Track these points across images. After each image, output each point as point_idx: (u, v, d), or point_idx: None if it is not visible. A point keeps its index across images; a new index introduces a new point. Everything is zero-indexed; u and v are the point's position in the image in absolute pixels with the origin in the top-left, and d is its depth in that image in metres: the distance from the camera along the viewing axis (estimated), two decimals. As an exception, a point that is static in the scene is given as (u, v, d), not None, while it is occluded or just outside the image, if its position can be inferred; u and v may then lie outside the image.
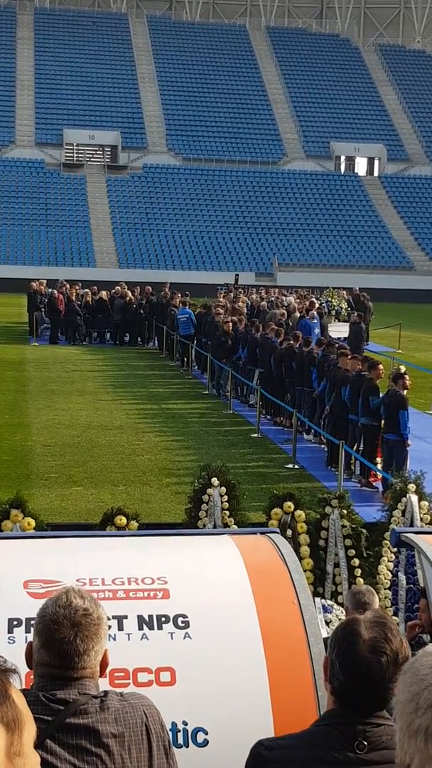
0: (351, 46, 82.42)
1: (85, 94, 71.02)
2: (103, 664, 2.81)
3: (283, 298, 33.23)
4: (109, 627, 3.85)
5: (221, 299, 31.50)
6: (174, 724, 3.61)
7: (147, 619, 3.91)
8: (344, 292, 35.77)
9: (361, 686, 2.70)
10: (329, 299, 34.33)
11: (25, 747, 1.55)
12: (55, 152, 67.00)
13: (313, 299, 32.70)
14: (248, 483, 12.80)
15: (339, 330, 29.83)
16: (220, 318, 24.38)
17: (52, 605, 2.78)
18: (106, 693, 2.75)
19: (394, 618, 8.54)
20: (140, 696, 2.83)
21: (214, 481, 9.01)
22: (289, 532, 8.62)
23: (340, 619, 7.83)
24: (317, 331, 24.49)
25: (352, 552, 8.88)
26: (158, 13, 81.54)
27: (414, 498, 9.08)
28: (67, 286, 34.27)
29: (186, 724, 3.66)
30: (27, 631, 3.73)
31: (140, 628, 3.88)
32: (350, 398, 15.08)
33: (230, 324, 22.97)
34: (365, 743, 2.66)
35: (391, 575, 8.81)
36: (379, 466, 14.04)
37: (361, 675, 2.69)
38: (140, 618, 3.91)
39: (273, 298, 32.97)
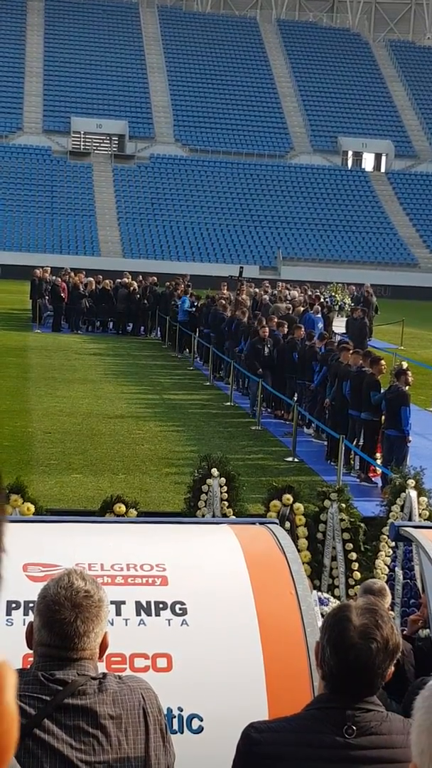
0: (361, 41, 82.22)
1: (93, 82, 70.92)
2: (103, 646, 2.81)
3: (287, 292, 33.21)
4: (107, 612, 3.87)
5: (224, 291, 31.48)
6: (169, 710, 3.62)
7: (145, 605, 3.92)
8: (353, 287, 35.79)
9: (351, 672, 2.73)
10: (333, 294, 34.31)
11: None
12: (62, 140, 66.91)
13: (317, 293, 32.69)
14: (247, 475, 12.80)
15: (342, 325, 29.83)
16: (240, 316, 22.85)
17: (53, 586, 2.78)
18: (104, 675, 2.76)
19: (390, 612, 8.57)
20: (139, 679, 2.84)
21: (214, 471, 9.02)
22: (287, 525, 8.63)
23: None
24: (321, 325, 24.49)
25: (350, 546, 8.89)
26: (169, 3, 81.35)
27: (413, 493, 9.08)
28: (71, 274, 34.29)
29: (181, 711, 3.67)
30: (25, 613, 3.75)
31: (138, 613, 3.89)
32: (351, 393, 15.08)
33: (267, 329, 19.62)
34: (354, 728, 2.68)
35: (388, 570, 8.82)
36: (379, 462, 14.05)
37: (351, 661, 2.73)
38: (138, 604, 3.92)
39: (276, 291, 32.95)
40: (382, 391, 14.44)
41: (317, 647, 2.84)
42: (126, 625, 3.83)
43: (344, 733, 2.68)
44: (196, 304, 28.61)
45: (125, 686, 2.74)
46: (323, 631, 2.82)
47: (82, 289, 32.12)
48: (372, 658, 2.72)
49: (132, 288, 32.26)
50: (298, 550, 8.44)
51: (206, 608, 4.00)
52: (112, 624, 3.79)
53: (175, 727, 3.63)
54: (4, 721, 0.81)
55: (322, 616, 7.68)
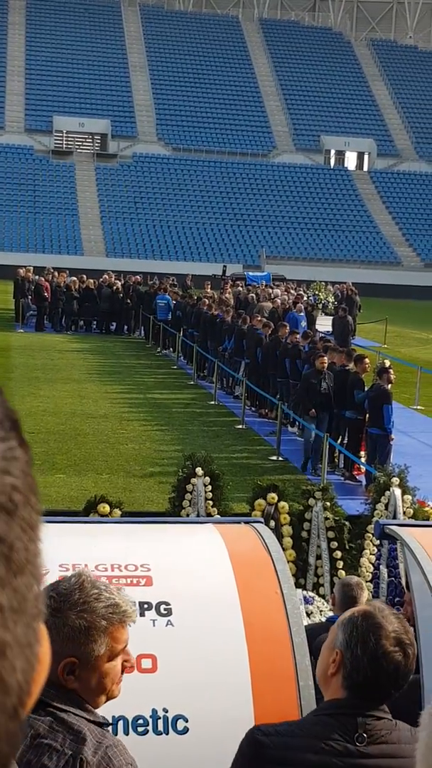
0: (343, 40, 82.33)
1: (75, 81, 70.73)
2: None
3: (270, 290, 33.23)
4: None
5: (208, 290, 31.48)
6: (154, 711, 3.60)
7: (129, 605, 3.89)
8: (339, 285, 35.87)
9: (389, 680, 2.67)
10: (316, 293, 34.35)
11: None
12: (44, 139, 66.72)
13: (301, 292, 32.72)
14: (232, 474, 12.79)
15: (325, 324, 29.89)
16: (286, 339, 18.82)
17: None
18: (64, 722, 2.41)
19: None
20: (114, 745, 2.47)
21: (199, 470, 9.01)
22: (272, 524, 8.62)
23: (321, 611, 7.85)
24: (304, 324, 24.52)
25: (335, 544, 8.89)
26: (150, 2, 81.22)
27: (397, 492, 9.10)
28: (55, 273, 34.23)
29: (166, 712, 3.65)
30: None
31: (122, 614, 3.86)
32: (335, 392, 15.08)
33: (325, 360, 15.31)
34: (365, 736, 2.63)
35: (372, 568, 8.82)
36: (363, 460, 14.07)
37: (389, 669, 2.65)
38: (123, 604, 3.89)
39: (259, 290, 32.98)
40: (365, 389, 14.45)
41: (338, 656, 2.70)
42: (110, 626, 3.81)
43: (355, 740, 2.62)
44: (173, 300, 28.94)
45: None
46: (351, 641, 2.68)
47: (73, 290, 32.01)
48: (409, 665, 2.66)
49: (115, 287, 32.24)
50: (283, 549, 8.44)
51: (191, 608, 3.98)
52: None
53: (161, 728, 3.61)
54: (42, 667, 0.79)
55: (308, 615, 7.67)
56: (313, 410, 14.97)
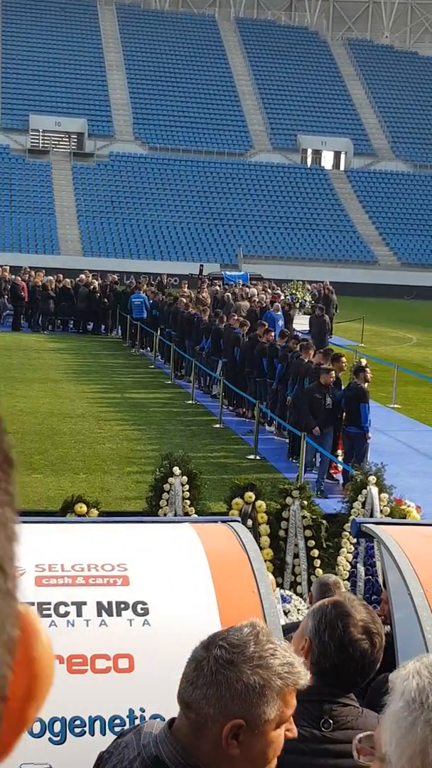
0: (319, 39, 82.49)
1: (52, 80, 70.53)
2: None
3: (247, 290, 33.26)
4: (67, 614, 3.83)
5: (185, 290, 31.47)
6: (131, 711, 3.59)
7: (106, 605, 3.88)
8: (316, 284, 35.94)
9: (356, 667, 2.75)
10: (293, 292, 34.42)
11: None
12: (20, 138, 66.48)
13: (278, 291, 32.77)
14: (209, 473, 12.78)
15: (302, 323, 29.96)
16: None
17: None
18: None
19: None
20: None
21: (176, 470, 9.00)
22: (249, 523, 8.63)
23: (298, 610, 7.86)
24: (281, 323, 24.53)
25: (312, 543, 8.91)
26: (127, 1, 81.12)
27: (374, 490, 9.12)
28: (31, 273, 34.16)
29: (143, 711, 3.64)
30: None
31: (99, 614, 3.85)
32: (312, 390, 15.07)
33: (332, 375, 14.34)
34: (331, 721, 2.68)
35: (350, 566, 8.84)
36: (340, 459, 14.09)
37: (356, 656, 2.72)
38: (99, 604, 3.88)
39: (237, 289, 33.02)
40: (342, 388, 14.47)
41: (308, 644, 2.80)
42: (87, 626, 3.80)
43: (321, 726, 2.69)
44: (149, 299, 28.92)
45: None
46: (320, 628, 2.77)
47: (50, 289, 31.94)
48: (375, 654, 2.74)
49: (92, 287, 32.19)
50: (261, 548, 8.44)
51: (168, 608, 3.98)
52: (72, 625, 3.76)
53: (138, 728, 3.60)
54: (38, 665, 0.77)
55: (285, 613, 7.68)
56: (317, 428, 13.83)
